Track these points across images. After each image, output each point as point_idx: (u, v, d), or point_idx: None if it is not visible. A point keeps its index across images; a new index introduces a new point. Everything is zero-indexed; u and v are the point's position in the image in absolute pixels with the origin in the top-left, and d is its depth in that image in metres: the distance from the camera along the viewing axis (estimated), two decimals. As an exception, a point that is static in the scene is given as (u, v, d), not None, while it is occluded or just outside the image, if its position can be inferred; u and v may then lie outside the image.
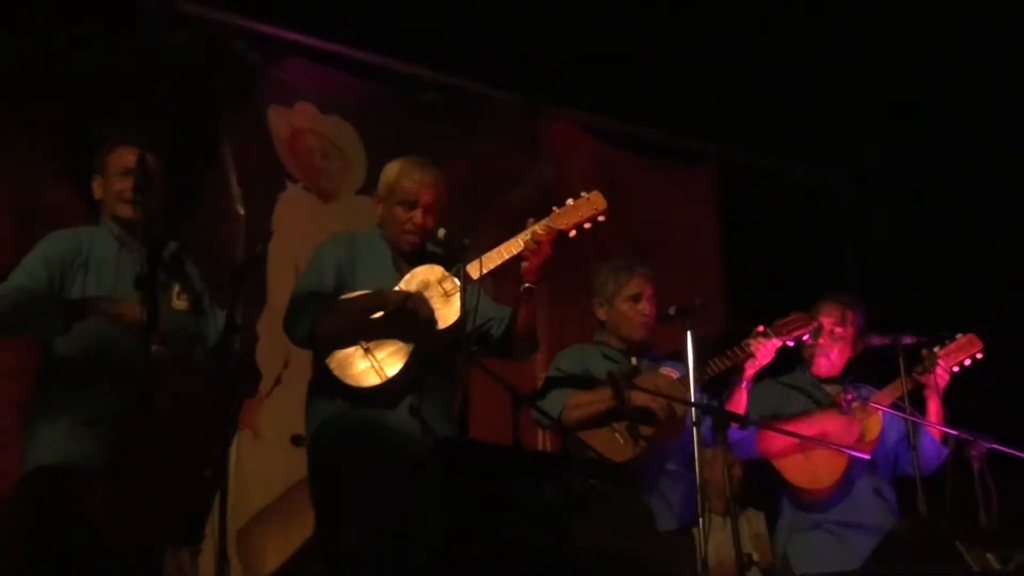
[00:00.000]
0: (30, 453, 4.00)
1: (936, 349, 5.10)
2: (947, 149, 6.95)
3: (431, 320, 4.19)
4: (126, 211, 4.18)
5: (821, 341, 5.16)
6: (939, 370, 5.05)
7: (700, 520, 4.32)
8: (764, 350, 4.87)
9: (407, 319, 4.16)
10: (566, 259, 5.74)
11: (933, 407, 5.06)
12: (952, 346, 5.11)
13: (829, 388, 5.21)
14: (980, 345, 5.14)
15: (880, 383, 5.13)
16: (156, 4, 5.69)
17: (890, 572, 4.05)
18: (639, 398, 4.61)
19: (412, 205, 4.34)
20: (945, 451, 5.04)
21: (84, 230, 4.27)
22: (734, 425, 4.70)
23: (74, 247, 4.15)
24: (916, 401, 5.02)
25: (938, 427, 5.02)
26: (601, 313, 4.97)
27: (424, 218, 4.33)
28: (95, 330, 4.00)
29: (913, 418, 4.89)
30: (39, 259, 4.11)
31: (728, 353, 4.84)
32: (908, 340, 4.96)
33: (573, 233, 4.33)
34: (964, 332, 5.18)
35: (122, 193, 4.18)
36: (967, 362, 5.13)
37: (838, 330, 5.18)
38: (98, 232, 4.24)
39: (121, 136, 4.31)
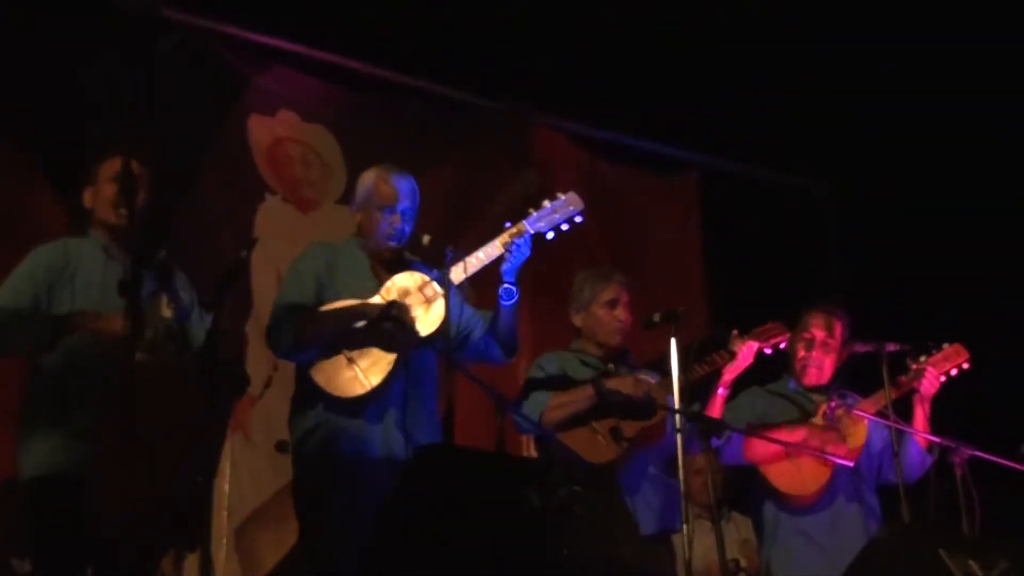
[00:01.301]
0: (22, 465, 4.00)
1: (923, 359, 5.11)
2: (930, 156, 6.98)
3: (412, 328, 4.19)
4: (116, 216, 4.16)
5: (814, 353, 5.18)
6: (928, 379, 5.06)
7: (684, 526, 4.33)
8: (745, 352, 4.89)
9: (389, 328, 4.16)
10: (549, 266, 5.78)
11: (920, 416, 5.06)
12: (939, 356, 5.11)
13: (816, 397, 5.21)
14: (967, 355, 5.14)
15: (865, 391, 5.14)
16: (141, 10, 5.67)
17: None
18: (621, 394, 4.62)
19: (390, 210, 4.36)
20: (930, 460, 5.04)
21: (71, 242, 4.26)
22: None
23: (60, 259, 4.15)
24: (902, 409, 5.03)
25: (921, 435, 5.03)
26: (577, 320, 4.99)
27: (402, 221, 4.34)
28: (81, 341, 4.00)
29: (897, 426, 4.90)
30: (24, 276, 4.11)
31: (708, 359, 4.85)
32: (891, 347, 4.96)
33: (551, 235, 4.35)
34: (949, 341, 5.19)
35: (111, 198, 4.17)
36: (953, 372, 5.12)
37: (830, 341, 5.19)
38: (85, 244, 4.24)
39: (110, 146, 4.29)
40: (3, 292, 4.09)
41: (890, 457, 5.01)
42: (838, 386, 5.22)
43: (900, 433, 4.94)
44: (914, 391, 5.07)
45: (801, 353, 5.20)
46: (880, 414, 4.97)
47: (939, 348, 5.13)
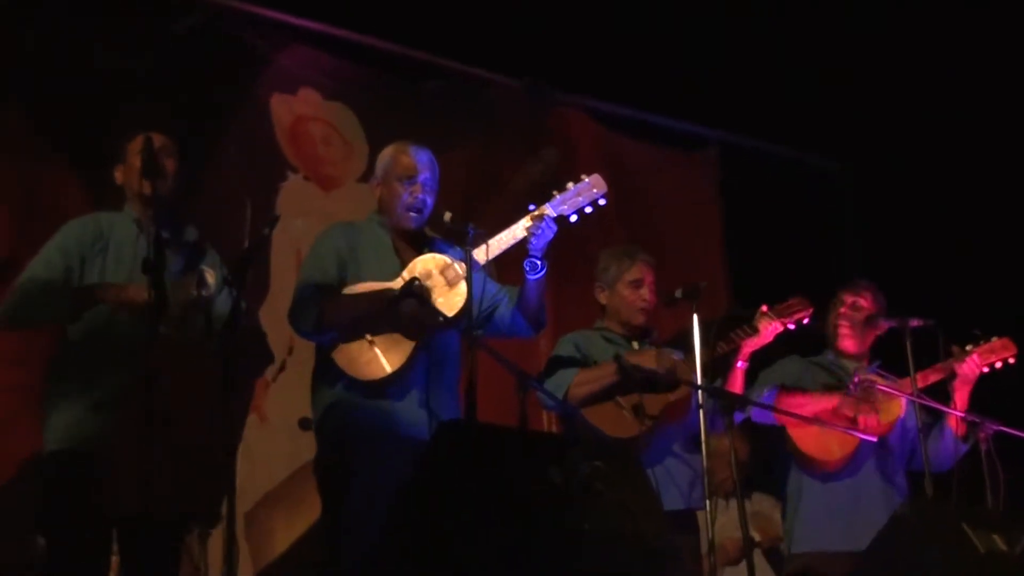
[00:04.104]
0: (46, 438, 4.02)
1: (969, 347, 5.11)
2: (948, 136, 6.95)
3: (433, 305, 4.19)
4: (145, 187, 4.17)
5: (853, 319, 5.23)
6: (970, 364, 5.07)
7: (707, 503, 4.33)
8: (769, 330, 4.89)
9: (410, 306, 4.15)
10: (570, 243, 5.76)
11: (960, 401, 5.08)
12: (986, 346, 5.12)
13: (851, 366, 5.25)
14: (1014, 350, 5.14)
15: (893, 368, 5.16)
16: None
17: (897, 554, 4.04)
18: (643, 369, 4.63)
19: (411, 181, 4.37)
20: (964, 448, 5.06)
21: (104, 215, 4.30)
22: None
23: (93, 231, 4.19)
24: (942, 393, 5.04)
25: (950, 411, 5.02)
26: (602, 298, 5.00)
27: (423, 192, 4.34)
28: (108, 314, 4.03)
29: (921, 400, 4.90)
30: (56, 247, 4.16)
31: (731, 336, 4.85)
32: (915, 323, 4.97)
33: (574, 218, 4.33)
34: (969, 320, 5.18)
35: (140, 169, 4.17)
36: (998, 364, 5.13)
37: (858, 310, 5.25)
38: (119, 217, 4.28)
39: (136, 125, 4.31)
40: (35, 263, 4.13)
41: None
42: (874, 361, 5.25)
43: (934, 417, 4.96)
44: (954, 375, 5.08)
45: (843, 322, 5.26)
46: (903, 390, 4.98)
47: (987, 339, 5.13)
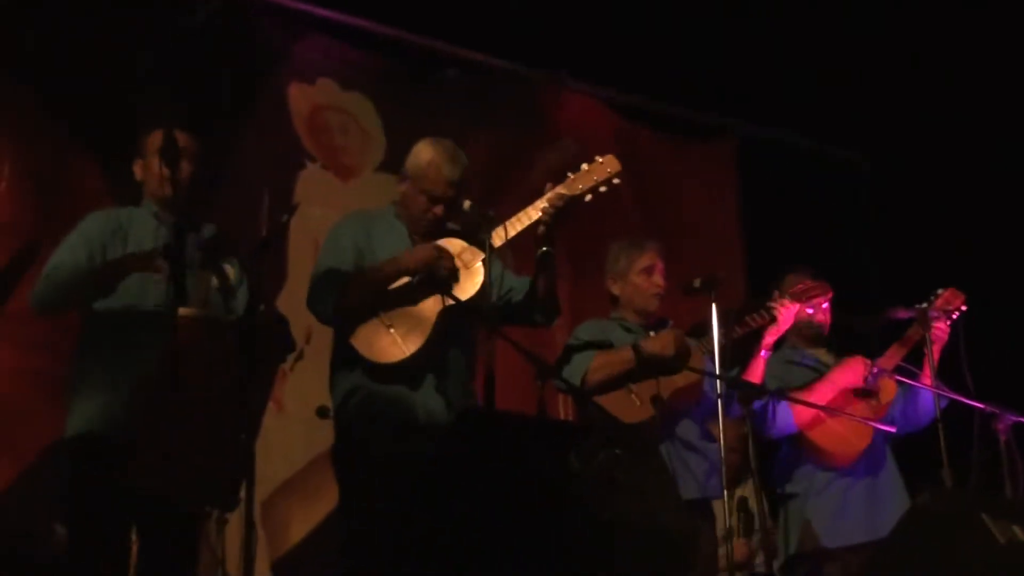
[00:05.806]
0: (69, 422, 4.05)
1: (924, 305, 5.10)
2: (968, 129, 6.93)
3: (449, 292, 4.18)
4: (164, 189, 4.17)
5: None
6: (940, 325, 5.07)
7: (724, 493, 4.33)
8: (786, 314, 4.89)
9: (432, 274, 4.16)
10: (586, 233, 5.76)
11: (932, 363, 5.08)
12: (939, 302, 5.12)
13: (816, 354, 5.26)
14: (963, 297, 5.15)
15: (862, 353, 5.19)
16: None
17: (916, 544, 4.04)
18: (658, 356, 4.63)
19: (437, 200, 4.29)
20: (944, 403, 5.02)
21: (124, 210, 4.34)
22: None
23: (113, 223, 4.23)
24: (916, 357, 5.06)
25: (966, 400, 5.02)
26: (615, 289, 4.99)
27: (445, 212, 4.30)
28: (130, 300, 4.06)
29: (941, 392, 4.91)
30: (79, 236, 4.20)
31: (747, 319, 4.84)
32: (935, 313, 4.99)
33: (589, 197, 4.30)
34: (979, 307, 5.19)
35: (158, 171, 4.17)
36: (955, 316, 5.13)
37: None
38: (138, 212, 4.31)
39: (156, 118, 4.33)
40: (59, 252, 4.17)
41: (900, 410, 5.12)
42: (836, 344, 5.28)
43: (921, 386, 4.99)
44: (927, 341, 5.06)
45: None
46: (905, 371, 5.01)
47: (936, 295, 5.13)
